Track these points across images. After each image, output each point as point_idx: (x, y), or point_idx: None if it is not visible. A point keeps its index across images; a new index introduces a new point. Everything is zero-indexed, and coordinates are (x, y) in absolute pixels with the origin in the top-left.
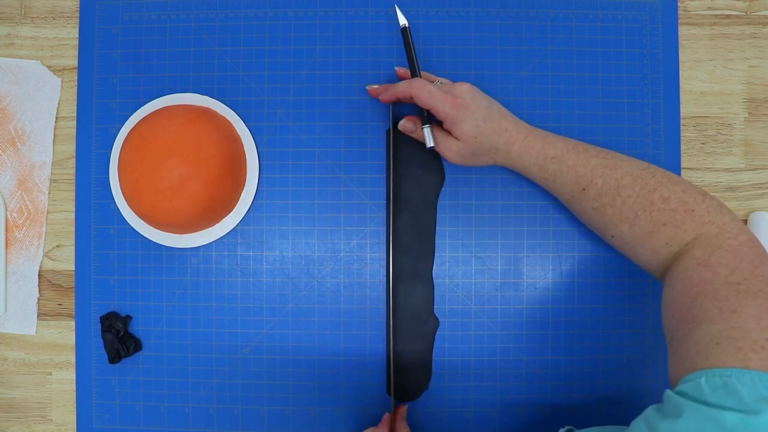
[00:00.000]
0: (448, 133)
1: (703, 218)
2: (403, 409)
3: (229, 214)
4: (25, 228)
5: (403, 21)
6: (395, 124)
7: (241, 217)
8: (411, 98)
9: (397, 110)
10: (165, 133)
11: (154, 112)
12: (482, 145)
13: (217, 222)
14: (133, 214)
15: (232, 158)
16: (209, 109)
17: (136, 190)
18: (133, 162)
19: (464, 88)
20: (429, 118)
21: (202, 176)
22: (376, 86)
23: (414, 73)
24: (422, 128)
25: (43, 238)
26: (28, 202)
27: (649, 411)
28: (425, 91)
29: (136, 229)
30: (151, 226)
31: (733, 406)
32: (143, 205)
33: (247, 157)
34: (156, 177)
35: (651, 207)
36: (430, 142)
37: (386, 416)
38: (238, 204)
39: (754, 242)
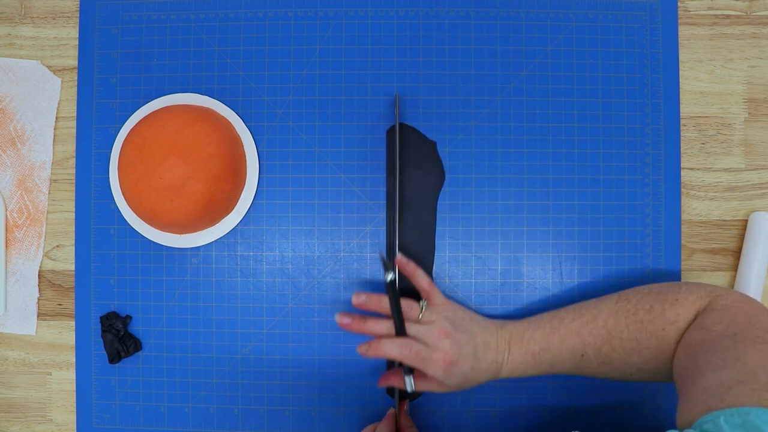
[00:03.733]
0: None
1: (690, 299)
2: (405, 404)
3: (229, 214)
4: (25, 228)
5: (390, 275)
6: (401, 123)
7: (241, 217)
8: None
9: (402, 110)
10: (165, 133)
11: (154, 112)
12: (469, 384)
13: (217, 222)
14: (133, 214)
15: (232, 158)
16: (209, 109)
17: (136, 190)
18: (133, 162)
19: (448, 342)
20: (411, 369)
21: (202, 176)
22: (347, 320)
23: (400, 329)
24: (405, 377)
25: (43, 238)
26: (28, 202)
27: None
28: (418, 358)
29: (136, 229)
30: (151, 226)
31: None
32: (143, 205)
33: (247, 157)
34: (156, 177)
35: (643, 326)
36: (411, 388)
37: (391, 411)
38: (238, 204)
39: (746, 297)
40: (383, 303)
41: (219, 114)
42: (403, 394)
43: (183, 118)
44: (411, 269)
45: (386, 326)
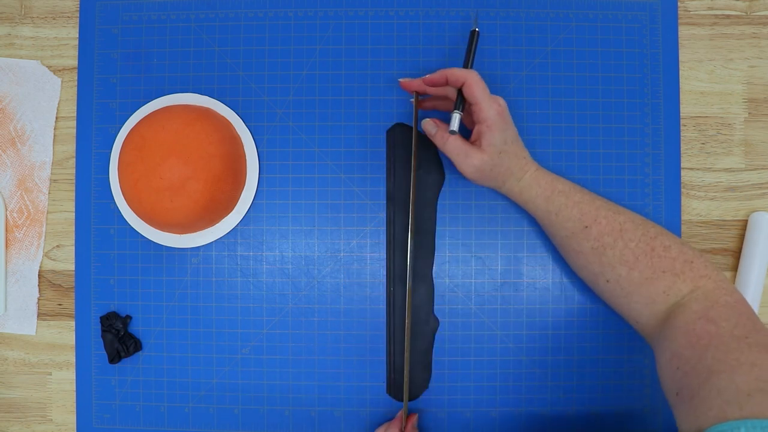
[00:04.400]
0: (471, 145)
1: (701, 271)
2: (414, 417)
3: (229, 214)
4: (25, 228)
5: (475, 27)
6: (400, 123)
7: (241, 217)
8: (456, 84)
9: (402, 110)
10: (165, 133)
11: (154, 112)
12: (502, 163)
13: (217, 222)
14: (133, 214)
15: (232, 158)
16: (209, 109)
17: (136, 190)
18: (133, 162)
19: (504, 103)
20: (461, 107)
21: (201, 176)
22: (410, 79)
23: (468, 63)
24: (453, 112)
25: (43, 238)
26: (28, 202)
27: None
28: (481, 85)
29: (136, 229)
30: (151, 226)
31: None
32: (143, 205)
33: (247, 157)
34: (156, 177)
35: (652, 253)
36: (455, 126)
37: (400, 413)
38: (238, 204)
39: (745, 301)
40: (451, 71)
41: (219, 114)
42: (401, 398)
43: (183, 118)
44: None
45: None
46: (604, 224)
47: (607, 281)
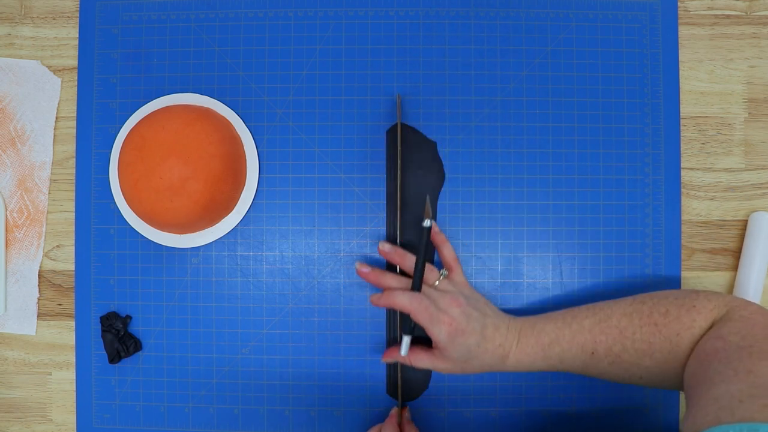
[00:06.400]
0: (436, 355)
1: (708, 306)
2: (407, 410)
3: (229, 214)
4: (25, 228)
5: (427, 222)
6: (402, 123)
7: (241, 217)
8: (403, 311)
9: (402, 110)
10: (165, 133)
11: (154, 112)
12: (472, 366)
13: (217, 222)
14: (133, 214)
15: (232, 158)
16: (209, 109)
17: (136, 190)
18: (133, 162)
19: (458, 311)
20: (412, 328)
21: (201, 176)
22: (366, 269)
23: (418, 283)
24: (403, 336)
25: (43, 238)
26: (28, 202)
27: None
28: (426, 314)
29: (136, 229)
30: (151, 226)
31: None
32: (143, 205)
33: (247, 157)
34: (156, 177)
35: (657, 329)
36: (404, 351)
37: (394, 411)
38: (238, 204)
39: (763, 311)
40: (406, 259)
41: (219, 114)
42: (406, 395)
43: (183, 118)
44: (441, 239)
45: (402, 282)
46: (604, 340)
47: (641, 378)
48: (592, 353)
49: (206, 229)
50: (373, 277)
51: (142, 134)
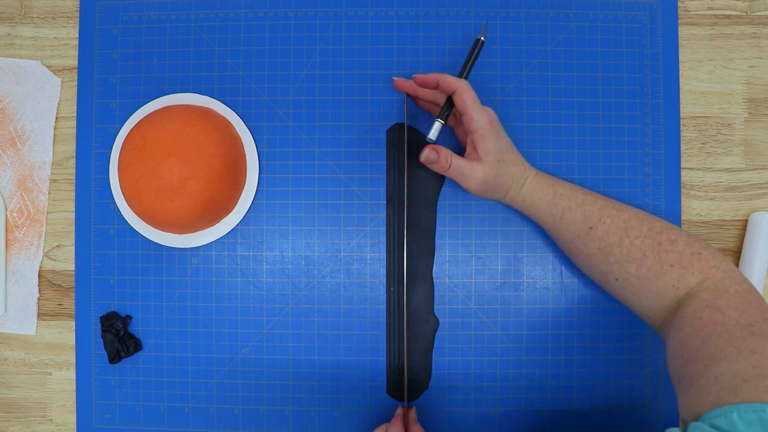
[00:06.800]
0: (471, 160)
1: (710, 262)
2: (413, 411)
3: (229, 214)
4: (25, 228)
5: (481, 36)
6: (400, 123)
7: (241, 217)
8: (447, 91)
9: (398, 109)
10: (165, 133)
11: (154, 112)
12: (503, 172)
13: (217, 222)
14: (133, 214)
15: (232, 158)
16: (209, 109)
17: (136, 190)
18: (133, 162)
19: (494, 114)
20: (445, 117)
21: (201, 176)
22: (404, 80)
23: (464, 72)
24: (435, 120)
25: (43, 238)
26: (28, 202)
27: None
28: (471, 94)
29: (136, 229)
30: (151, 226)
31: None
32: (143, 205)
33: (247, 157)
34: (156, 177)
35: (659, 248)
36: (434, 135)
37: (399, 411)
38: (238, 204)
39: (756, 291)
40: (443, 76)
41: (219, 114)
42: (401, 398)
43: (183, 118)
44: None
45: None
46: (608, 223)
47: (616, 279)
48: (591, 228)
49: (206, 229)
50: (410, 83)
51: (142, 134)
